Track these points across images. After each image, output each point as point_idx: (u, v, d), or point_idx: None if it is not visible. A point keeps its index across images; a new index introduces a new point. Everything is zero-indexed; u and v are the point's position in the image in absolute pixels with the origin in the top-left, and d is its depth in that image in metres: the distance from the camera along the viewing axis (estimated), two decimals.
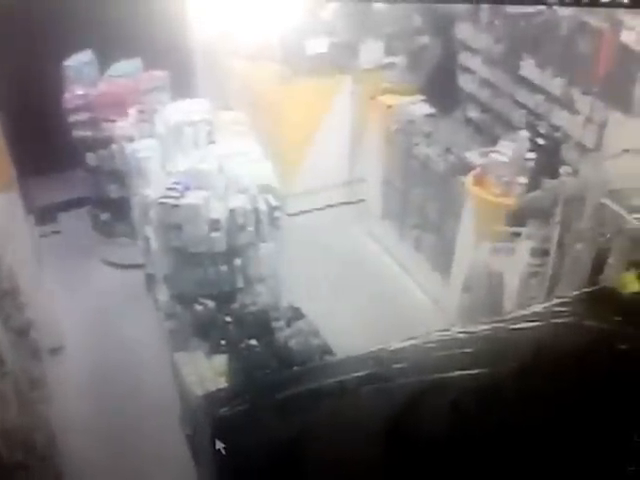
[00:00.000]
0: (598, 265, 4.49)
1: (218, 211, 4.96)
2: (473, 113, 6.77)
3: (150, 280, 5.68)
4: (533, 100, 5.99)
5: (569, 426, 3.11)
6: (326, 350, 4.73)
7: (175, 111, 5.41)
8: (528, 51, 5.98)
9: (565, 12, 5.49)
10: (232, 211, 4.97)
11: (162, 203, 4.94)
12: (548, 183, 5.27)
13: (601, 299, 3.79)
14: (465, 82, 6.86)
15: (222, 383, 4.43)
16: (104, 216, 7.03)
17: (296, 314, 5.07)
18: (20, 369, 4.55)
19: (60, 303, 6.16)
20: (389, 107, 6.95)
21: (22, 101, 7.03)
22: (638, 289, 3.94)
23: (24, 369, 4.76)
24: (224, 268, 5.10)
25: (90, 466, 4.97)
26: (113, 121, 6.21)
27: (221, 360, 4.66)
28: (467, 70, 6.84)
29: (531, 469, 3.09)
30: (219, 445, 2.97)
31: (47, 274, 6.10)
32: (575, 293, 3.85)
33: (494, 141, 5.96)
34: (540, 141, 5.53)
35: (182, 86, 6.61)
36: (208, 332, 4.92)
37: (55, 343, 5.93)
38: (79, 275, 6.88)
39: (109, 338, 6.14)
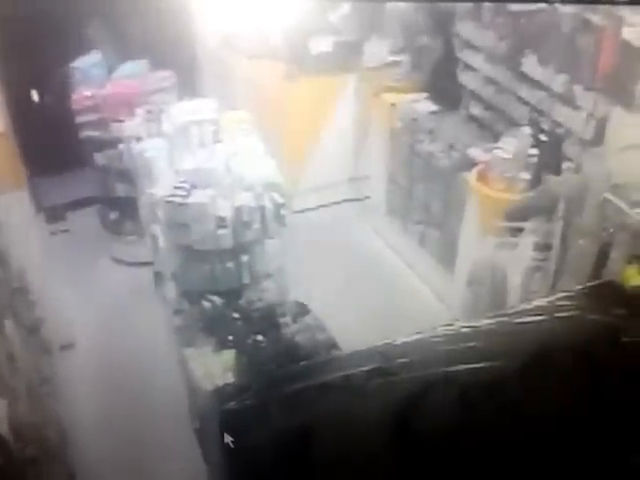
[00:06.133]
0: (601, 259, 4.53)
1: (224, 209, 4.99)
2: (476, 110, 6.79)
3: (158, 277, 5.73)
4: (535, 97, 6.00)
5: (574, 420, 3.14)
6: (332, 345, 4.76)
7: (181, 111, 5.44)
8: (530, 48, 6.00)
9: (566, 9, 5.51)
10: (238, 209, 5.01)
11: (169, 201, 4.98)
12: (551, 179, 5.31)
13: (604, 293, 3.80)
14: (468, 79, 6.88)
15: (230, 378, 4.48)
16: (113, 215, 7.10)
17: (302, 310, 5.11)
18: (31, 365, 4.61)
19: (70, 301, 6.23)
20: (392, 105, 6.99)
21: (31, 102, 7.12)
22: None
23: (35, 365, 4.82)
24: (231, 265, 5.14)
25: (100, 460, 5.04)
26: (121, 121, 6.25)
27: (229, 355, 4.71)
28: (470, 67, 6.85)
29: (537, 464, 3.11)
30: (227, 439, 3.01)
31: (57, 272, 6.17)
32: (578, 287, 3.88)
33: (497, 137, 6.00)
34: (542, 137, 5.54)
35: (188, 86, 6.66)
36: (216, 328, 4.96)
37: (65, 340, 5.99)
38: (88, 273, 6.95)
39: (119, 335, 6.21)
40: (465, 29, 6.80)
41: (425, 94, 6.95)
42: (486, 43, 6.54)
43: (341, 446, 2.97)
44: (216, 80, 7.79)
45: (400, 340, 3.36)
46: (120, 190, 6.81)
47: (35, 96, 7.26)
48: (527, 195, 5.38)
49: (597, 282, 4.07)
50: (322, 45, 7.42)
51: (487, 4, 6.41)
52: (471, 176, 5.83)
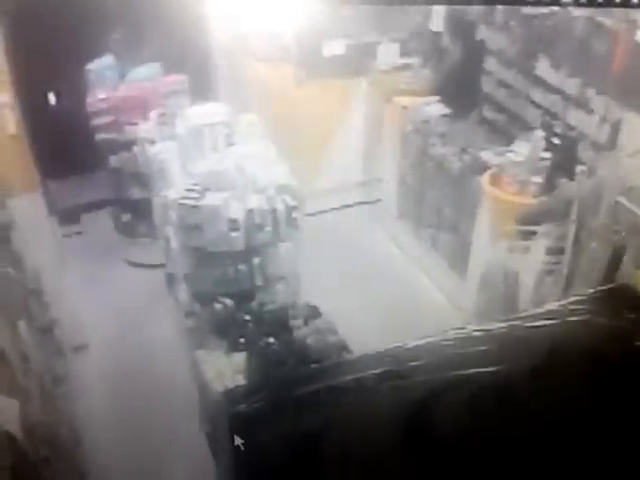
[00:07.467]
0: (614, 263, 4.49)
1: (237, 211, 5.01)
2: (488, 113, 6.77)
3: (171, 279, 5.75)
4: (548, 100, 5.98)
5: (585, 424, 3.12)
6: (343, 348, 4.77)
7: (195, 114, 5.47)
8: (543, 51, 5.98)
9: (579, 12, 5.49)
10: (250, 211, 5.03)
11: (182, 204, 5.01)
12: (563, 182, 5.28)
13: (617, 297, 3.79)
14: (480, 82, 6.86)
15: (241, 380, 4.50)
16: (126, 217, 7.14)
17: (314, 312, 5.12)
18: (44, 366, 4.64)
19: (83, 302, 6.26)
20: (404, 108, 6.99)
21: (44, 104, 7.16)
22: None
23: (48, 366, 4.85)
24: (243, 267, 5.16)
25: (112, 462, 5.07)
26: (134, 124, 6.30)
27: (240, 358, 4.72)
28: (482, 70, 6.84)
29: (547, 468, 3.10)
30: (238, 441, 3.01)
31: (70, 274, 6.21)
32: (591, 291, 3.86)
33: (510, 141, 5.99)
34: (555, 140, 5.53)
35: (201, 89, 6.68)
36: (227, 330, 4.98)
37: (78, 341, 6.03)
38: (101, 275, 6.97)
39: (131, 336, 6.23)
40: (478, 32, 6.78)
41: (437, 97, 6.95)
42: (499, 46, 6.53)
43: (352, 449, 2.97)
44: (229, 83, 7.81)
45: (411, 343, 3.36)
46: (133, 192, 6.84)
47: (48, 98, 7.31)
48: (540, 199, 5.36)
49: (610, 286, 4.04)
50: (334, 48, 7.44)
51: (500, 7, 6.39)
52: (483, 179, 5.82)
